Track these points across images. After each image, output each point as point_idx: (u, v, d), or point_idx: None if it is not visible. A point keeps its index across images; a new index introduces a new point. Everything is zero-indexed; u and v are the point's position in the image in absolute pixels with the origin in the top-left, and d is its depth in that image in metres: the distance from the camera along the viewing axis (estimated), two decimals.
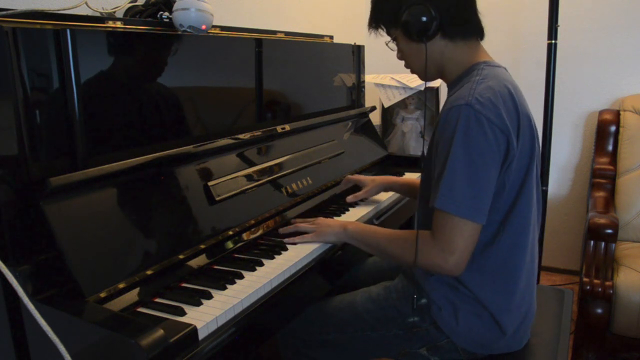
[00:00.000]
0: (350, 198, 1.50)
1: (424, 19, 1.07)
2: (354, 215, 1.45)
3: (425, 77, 1.17)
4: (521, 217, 1.07)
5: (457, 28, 1.10)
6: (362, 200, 1.55)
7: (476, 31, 1.13)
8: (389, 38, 1.19)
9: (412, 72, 1.20)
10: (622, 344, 1.82)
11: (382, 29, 1.18)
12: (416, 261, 1.05)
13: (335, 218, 1.41)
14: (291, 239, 1.22)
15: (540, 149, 1.28)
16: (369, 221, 1.45)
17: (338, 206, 1.51)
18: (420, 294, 1.16)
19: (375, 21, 1.18)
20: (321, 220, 1.27)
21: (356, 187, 1.56)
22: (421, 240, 1.05)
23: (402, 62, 1.21)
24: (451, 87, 1.16)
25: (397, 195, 1.64)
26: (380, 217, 1.51)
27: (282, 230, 1.27)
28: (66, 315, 0.81)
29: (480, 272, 1.08)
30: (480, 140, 0.98)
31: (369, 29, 1.20)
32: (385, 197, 1.60)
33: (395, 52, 1.20)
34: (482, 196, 0.99)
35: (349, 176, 1.59)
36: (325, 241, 1.22)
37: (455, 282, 1.10)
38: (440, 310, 1.11)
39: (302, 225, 1.26)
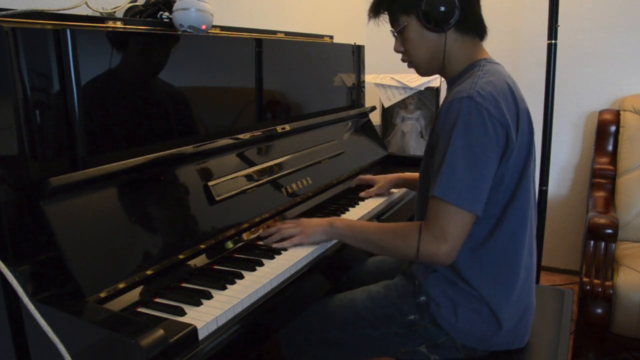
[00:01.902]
0: (363, 194, 1.60)
1: (447, 8, 1.07)
2: (363, 208, 1.51)
3: (428, 69, 1.17)
4: (519, 211, 1.08)
5: (472, 23, 1.12)
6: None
7: (483, 30, 1.15)
8: (385, 30, 1.17)
9: (411, 65, 1.19)
10: (622, 344, 1.82)
11: (384, 14, 1.17)
12: (404, 252, 1.06)
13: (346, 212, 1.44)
14: (280, 244, 1.18)
15: (536, 145, 1.29)
16: (379, 213, 1.51)
17: (348, 200, 1.57)
18: (419, 292, 1.16)
19: (381, 6, 1.17)
20: (304, 220, 1.24)
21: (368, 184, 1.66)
22: (414, 230, 1.05)
23: (402, 62, 1.21)
24: (451, 83, 1.17)
25: (404, 190, 1.71)
26: (385, 213, 1.54)
27: (264, 235, 1.23)
28: (66, 315, 0.81)
29: (479, 266, 1.09)
30: (480, 132, 0.99)
31: (368, 15, 1.19)
32: (395, 190, 1.68)
33: (394, 44, 1.18)
34: (481, 187, 1.00)
35: (361, 176, 1.68)
36: (314, 241, 1.20)
37: (454, 276, 1.11)
38: (439, 307, 1.12)
39: (286, 229, 1.21)
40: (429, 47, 1.13)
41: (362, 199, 1.58)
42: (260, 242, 1.22)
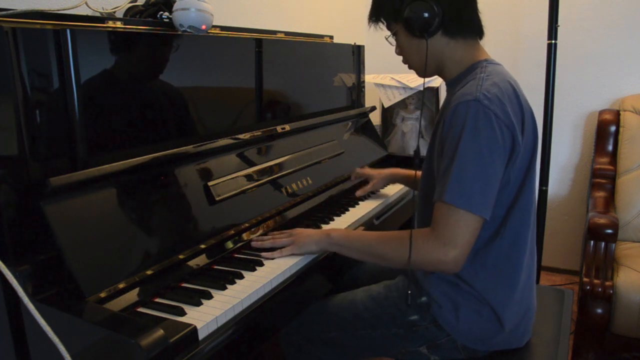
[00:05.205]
0: (359, 192, 1.59)
1: (427, 14, 1.06)
2: (363, 208, 1.51)
3: (424, 73, 1.16)
4: (523, 212, 1.07)
5: (458, 26, 1.10)
6: (372, 193, 1.63)
7: (476, 30, 1.13)
8: (388, 33, 1.18)
9: (410, 67, 1.19)
10: (622, 344, 1.82)
11: (383, 23, 1.17)
12: (410, 260, 1.03)
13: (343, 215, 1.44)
14: (269, 254, 1.14)
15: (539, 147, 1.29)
16: (377, 215, 1.50)
17: (348, 200, 1.56)
18: (420, 292, 1.16)
19: (376, 14, 1.17)
20: (299, 230, 1.21)
21: (365, 181, 1.65)
22: (418, 237, 1.03)
23: (401, 59, 1.20)
24: (451, 84, 1.15)
25: (403, 192, 1.69)
26: (385, 214, 1.54)
27: (255, 244, 1.19)
28: (66, 315, 0.81)
29: (482, 268, 1.08)
30: (488, 135, 0.98)
31: (368, 22, 1.19)
32: (393, 191, 1.67)
33: (394, 47, 1.19)
34: (490, 191, 0.99)
35: (358, 169, 1.66)
36: (306, 252, 1.16)
37: (455, 278, 1.10)
38: (440, 308, 1.11)
39: (279, 239, 1.18)
40: (420, 53, 1.12)
41: (363, 199, 1.58)
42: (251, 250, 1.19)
